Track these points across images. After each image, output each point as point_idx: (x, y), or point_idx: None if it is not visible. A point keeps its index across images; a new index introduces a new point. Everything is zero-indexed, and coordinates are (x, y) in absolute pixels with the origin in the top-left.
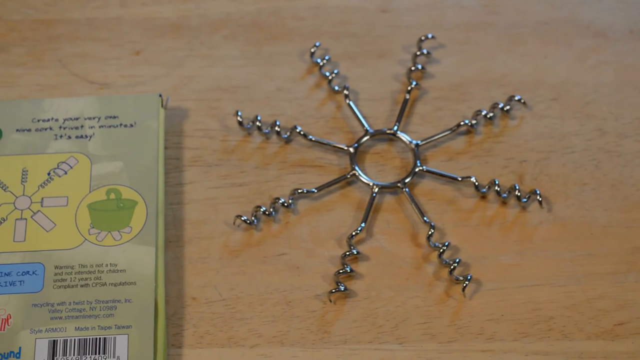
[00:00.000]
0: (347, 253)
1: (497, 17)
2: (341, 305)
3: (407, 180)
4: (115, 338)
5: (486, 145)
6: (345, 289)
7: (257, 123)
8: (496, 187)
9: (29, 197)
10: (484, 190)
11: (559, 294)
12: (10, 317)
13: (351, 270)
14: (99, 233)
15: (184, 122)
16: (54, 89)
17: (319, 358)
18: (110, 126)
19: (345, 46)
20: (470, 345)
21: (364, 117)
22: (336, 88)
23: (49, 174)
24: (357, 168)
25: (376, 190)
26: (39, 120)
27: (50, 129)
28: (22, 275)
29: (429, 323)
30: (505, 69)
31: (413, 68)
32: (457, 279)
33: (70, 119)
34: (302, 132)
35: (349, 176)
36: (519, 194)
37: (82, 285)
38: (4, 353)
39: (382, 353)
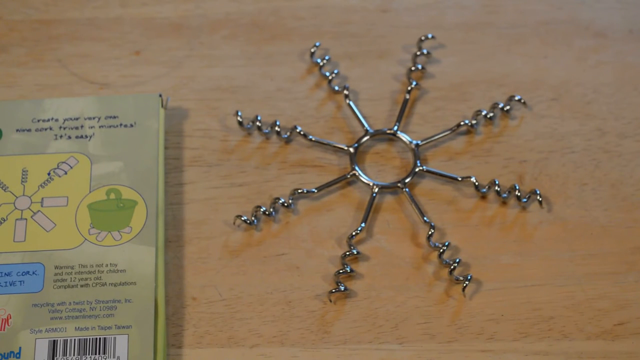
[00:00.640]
0: (347, 253)
1: (497, 17)
2: (341, 305)
3: (407, 180)
4: (115, 338)
5: (486, 145)
6: (345, 289)
7: (257, 123)
8: (496, 187)
9: (29, 197)
10: (484, 190)
11: (558, 294)
12: (11, 317)
13: (351, 270)
14: (99, 233)
15: (184, 122)
16: (54, 89)
17: (319, 358)
18: (110, 126)
19: (345, 46)
20: (470, 345)
21: (364, 117)
22: (336, 88)
23: (49, 174)
24: (357, 168)
25: (376, 190)
26: (39, 120)
27: (50, 129)
28: (22, 275)
29: (429, 323)
30: (505, 69)
31: (413, 68)
32: (457, 279)
33: (70, 119)
34: (302, 132)
35: (349, 176)
36: (519, 194)
37: (82, 285)
38: (4, 353)
39: (382, 353)
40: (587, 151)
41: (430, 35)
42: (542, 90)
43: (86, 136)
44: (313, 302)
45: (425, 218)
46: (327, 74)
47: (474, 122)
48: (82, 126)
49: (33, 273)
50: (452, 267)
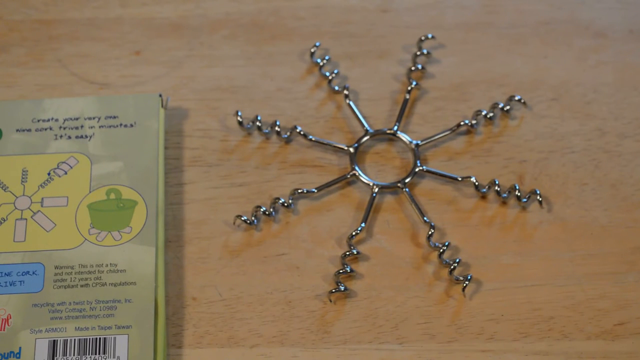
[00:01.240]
0: (347, 253)
1: (497, 17)
2: (341, 305)
3: (407, 180)
4: (115, 338)
5: (486, 145)
6: (345, 289)
7: (257, 123)
8: (496, 187)
9: (29, 197)
10: (484, 190)
11: (558, 294)
12: (11, 317)
13: (351, 270)
14: (99, 233)
15: (184, 122)
16: (54, 89)
17: (319, 358)
18: (110, 126)
19: (345, 46)
20: (470, 345)
21: (364, 117)
22: (336, 88)
23: (49, 174)
24: (357, 168)
25: (376, 190)
26: (39, 120)
27: (50, 129)
28: (22, 275)
29: (429, 323)
30: (505, 69)
31: (413, 68)
32: (457, 279)
33: (70, 119)
34: (302, 132)
35: (349, 176)
36: (519, 194)
37: (82, 285)
38: (4, 353)
39: (382, 353)
40: (587, 151)
41: (430, 35)
42: (542, 90)
43: (86, 136)
44: (313, 302)
45: (425, 218)
46: (327, 74)
47: (474, 122)
48: (82, 126)
49: (33, 273)
50: (452, 267)
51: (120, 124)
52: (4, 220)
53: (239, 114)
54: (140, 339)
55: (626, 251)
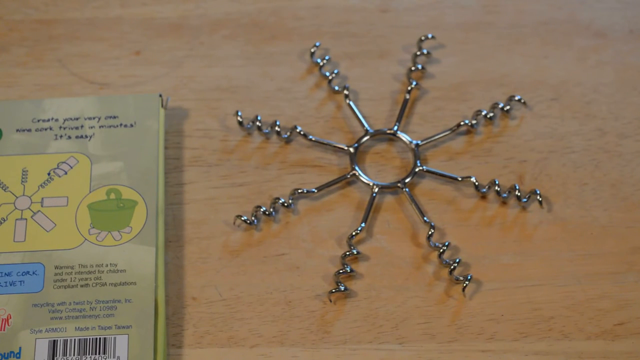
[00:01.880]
0: (347, 253)
1: (497, 17)
2: (341, 305)
3: (407, 180)
4: (115, 338)
5: (486, 145)
6: (345, 289)
7: (257, 123)
8: (496, 187)
9: (29, 197)
10: (484, 190)
11: (558, 294)
12: (11, 317)
13: (351, 270)
14: (99, 233)
15: (184, 122)
16: (54, 89)
17: (319, 358)
18: (110, 126)
19: (345, 46)
20: (470, 345)
21: (364, 117)
22: (336, 88)
23: (49, 174)
24: (357, 168)
25: (376, 190)
26: (39, 120)
27: (50, 129)
28: (22, 275)
29: (429, 323)
30: (505, 69)
31: (413, 68)
32: (457, 279)
33: (70, 119)
34: (302, 132)
35: (349, 176)
36: (519, 194)
37: (82, 285)
38: (4, 353)
39: (382, 353)
40: (587, 151)
41: (430, 35)
42: (542, 90)
43: (86, 136)
44: (313, 302)
45: (425, 218)
46: (327, 74)
47: (474, 122)
48: (82, 126)
49: (33, 273)
50: (452, 267)
51: (120, 124)
52: (4, 220)
53: (239, 114)
54: (140, 339)
55: (626, 251)
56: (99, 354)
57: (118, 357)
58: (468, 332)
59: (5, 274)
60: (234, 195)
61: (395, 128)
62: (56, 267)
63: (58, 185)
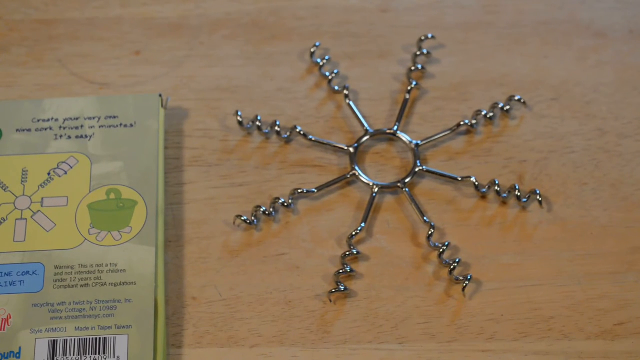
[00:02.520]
0: (347, 253)
1: (497, 17)
2: (341, 305)
3: (407, 180)
4: (115, 338)
5: (486, 145)
6: (345, 289)
7: (257, 123)
8: (496, 187)
9: (29, 197)
10: (484, 190)
11: (558, 294)
12: (11, 317)
13: (351, 270)
14: (99, 233)
15: (184, 122)
16: (54, 89)
17: (319, 358)
18: (110, 126)
19: (345, 46)
20: (470, 345)
21: (364, 117)
22: (336, 88)
23: (49, 174)
24: (357, 168)
25: (376, 190)
26: (39, 120)
27: (50, 129)
28: (22, 275)
29: (429, 323)
30: (505, 69)
31: (413, 68)
32: (457, 279)
33: (70, 119)
34: (302, 132)
35: (349, 176)
36: (519, 194)
37: (82, 285)
38: (4, 353)
39: (382, 353)
40: (587, 151)
41: (430, 35)
42: (542, 90)
43: (86, 136)
44: (313, 302)
45: (425, 218)
46: (327, 74)
47: (474, 122)
48: (82, 126)
49: (33, 273)
50: (452, 267)
51: (120, 124)
52: (4, 220)
53: (239, 114)
54: (140, 339)
55: (626, 251)
56: (99, 353)
57: (118, 357)
58: (468, 332)
59: (5, 273)
60: (234, 195)
61: (395, 128)
62: (56, 267)
63: (58, 185)
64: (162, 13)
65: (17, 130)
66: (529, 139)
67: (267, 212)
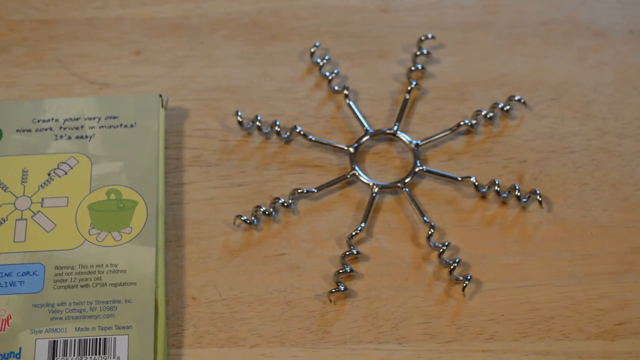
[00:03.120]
0: (347, 253)
1: (497, 17)
2: (341, 305)
3: (407, 180)
4: (115, 338)
5: (486, 145)
6: (345, 289)
7: (257, 123)
8: (496, 187)
9: (29, 198)
10: (484, 190)
11: (558, 294)
12: (11, 318)
13: (351, 270)
14: (99, 233)
15: (184, 122)
16: (54, 89)
17: (319, 358)
18: (110, 126)
19: (345, 46)
20: (470, 345)
21: (364, 117)
22: (336, 88)
23: (49, 174)
24: (357, 168)
25: (376, 190)
26: (39, 121)
27: (51, 129)
28: (23, 275)
29: (429, 323)
30: (505, 69)
31: (413, 68)
32: (457, 279)
33: (71, 119)
34: (302, 132)
35: (349, 176)
36: (519, 194)
37: (82, 286)
38: (4, 353)
39: (382, 353)
40: (587, 151)
41: (430, 35)
42: (542, 90)
43: (86, 136)
44: (313, 302)
45: (425, 218)
46: (327, 74)
47: (474, 122)
48: (82, 126)
49: (33, 273)
50: (452, 267)
51: (121, 124)
52: (4, 221)
53: (239, 114)
54: (140, 340)
55: (626, 251)
56: (99, 354)
57: (118, 358)
58: (468, 332)
59: (6, 274)
60: (234, 195)
61: (395, 128)
62: (56, 268)
63: (58, 185)
64: (162, 13)
65: (17, 130)
66: (529, 139)
67: (267, 212)
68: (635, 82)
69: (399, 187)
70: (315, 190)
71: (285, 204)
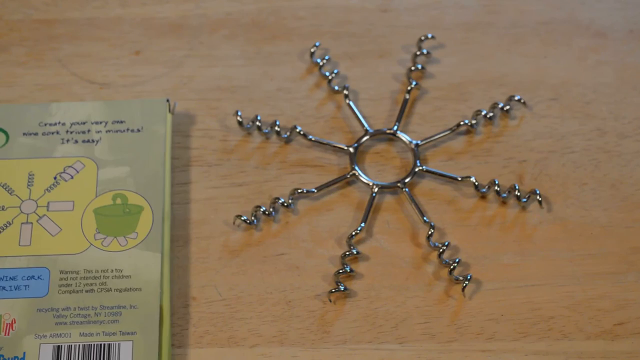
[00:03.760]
0: (347, 253)
1: (497, 17)
2: (341, 305)
3: (407, 180)
4: (119, 344)
5: (486, 145)
6: (345, 288)
7: (257, 123)
8: (496, 187)
9: (35, 201)
10: (484, 190)
11: (558, 294)
12: (15, 322)
13: (351, 270)
14: (105, 238)
15: (184, 122)
16: (54, 88)
17: (319, 358)
18: (117, 131)
19: (345, 46)
20: (470, 345)
21: (364, 117)
22: (336, 88)
23: (55, 178)
24: (357, 168)
25: (376, 190)
26: (45, 124)
27: (57, 133)
28: (27, 279)
29: (429, 323)
30: (505, 69)
31: (413, 68)
32: (457, 279)
33: (77, 123)
34: (302, 132)
35: (348, 176)
36: (518, 194)
37: (87, 291)
38: (9, 358)
39: (382, 353)
40: (587, 151)
41: (430, 35)
42: (542, 90)
43: (93, 140)
44: (313, 302)
45: (425, 218)
46: (327, 73)
47: (473, 122)
48: (88, 130)
49: (38, 277)
50: (452, 267)
51: (127, 129)
52: (10, 224)
53: (239, 113)
54: (144, 346)
55: (626, 251)
56: None
57: None
58: (468, 332)
59: (10, 278)
60: (234, 195)
61: (395, 128)
62: (61, 272)
63: (64, 189)
64: (162, 13)
65: (24, 134)
66: (529, 139)
67: (267, 212)
68: (635, 82)
69: (398, 187)
70: (315, 190)
71: (285, 204)
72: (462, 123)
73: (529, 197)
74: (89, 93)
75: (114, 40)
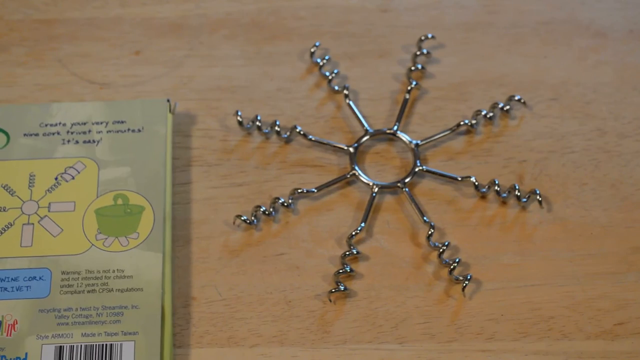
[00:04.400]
0: (347, 253)
1: (497, 17)
2: (341, 305)
3: (407, 180)
4: (121, 344)
5: (486, 145)
6: (345, 288)
7: (257, 123)
8: (496, 187)
9: (36, 202)
10: (484, 190)
11: (558, 294)
12: (17, 323)
13: (351, 270)
14: (106, 239)
15: (184, 122)
16: (54, 89)
17: (319, 358)
18: (117, 131)
19: (345, 46)
20: (470, 345)
21: (364, 117)
22: (336, 88)
23: (56, 178)
24: (357, 168)
25: (376, 190)
26: (46, 125)
27: (58, 133)
28: (29, 280)
29: (429, 323)
30: (505, 69)
31: (413, 68)
32: (457, 279)
33: (78, 123)
34: (302, 132)
35: (348, 176)
36: (518, 193)
37: (88, 291)
38: (11, 359)
39: (382, 353)
40: (587, 151)
41: (430, 35)
42: (542, 90)
43: (94, 141)
44: (313, 302)
45: (425, 218)
46: (327, 73)
47: (473, 122)
48: (89, 131)
49: (40, 278)
50: (451, 267)
51: (128, 129)
52: (11, 225)
53: (239, 113)
54: (146, 346)
55: (626, 251)
56: None
57: None
58: (468, 332)
59: (12, 279)
60: (234, 195)
61: (395, 128)
62: (63, 273)
63: (65, 190)
64: (162, 13)
65: (25, 134)
66: (529, 139)
67: (267, 212)
68: (635, 82)
69: (398, 187)
70: (315, 190)
71: (285, 204)
72: (462, 123)
73: (529, 197)
74: (89, 93)
75: (114, 40)
